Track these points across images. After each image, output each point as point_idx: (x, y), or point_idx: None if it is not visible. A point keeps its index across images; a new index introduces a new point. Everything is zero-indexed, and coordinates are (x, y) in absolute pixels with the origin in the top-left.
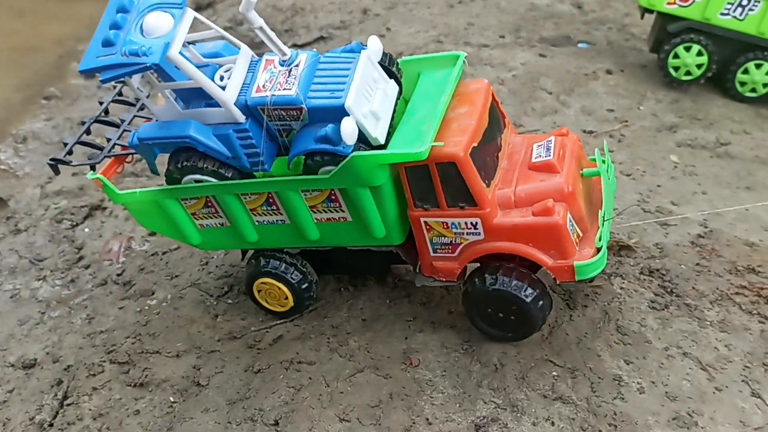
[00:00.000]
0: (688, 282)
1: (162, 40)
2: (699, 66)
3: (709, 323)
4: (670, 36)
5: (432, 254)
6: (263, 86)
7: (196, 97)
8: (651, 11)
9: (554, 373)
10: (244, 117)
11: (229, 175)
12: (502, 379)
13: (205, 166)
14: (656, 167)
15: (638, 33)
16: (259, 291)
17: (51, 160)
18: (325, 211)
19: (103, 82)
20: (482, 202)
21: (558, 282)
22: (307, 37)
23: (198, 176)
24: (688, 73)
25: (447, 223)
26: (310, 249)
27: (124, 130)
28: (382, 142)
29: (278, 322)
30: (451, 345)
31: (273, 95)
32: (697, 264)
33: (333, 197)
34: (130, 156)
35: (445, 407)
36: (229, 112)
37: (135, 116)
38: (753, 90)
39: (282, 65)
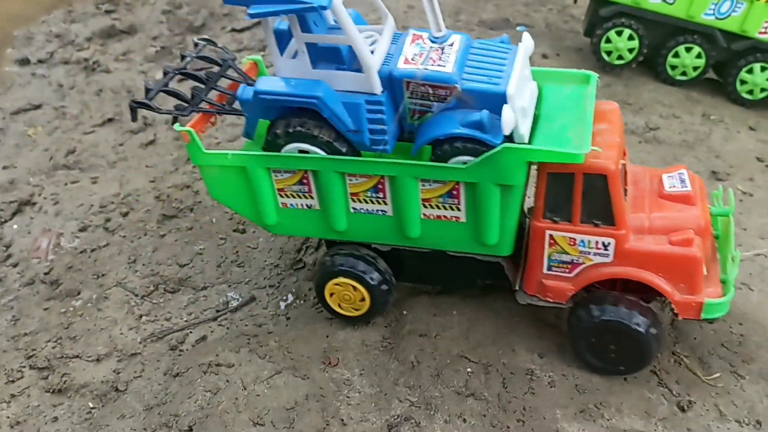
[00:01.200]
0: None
1: None
2: (630, 50)
3: None
4: (602, 20)
5: (545, 271)
6: (412, 59)
7: (323, 58)
8: None
9: (469, 370)
10: (381, 88)
11: (344, 150)
12: (417, 377)
13: (320, 135)
14: None
15: (578, 15)
16: (331, 294)
17: (134, 102)
18: (439, 207)
19: (252, 16)
20: (621, 223)
21: (680, 318)
22: (247, 21)
23: (306, 146)
24: (620, 57)
25: (575, 240)
26: (390, 249)
27: (212, 88)
28: (526, 140)
29: (202, 321)
30: (371, 342)
31: (426, 69)
32: None
33: (455, 192)
34: (215, 116)
35: (360, 407)
36: (369, 79)
37: (222, 76)
38: (683, 73)
39: (434, 41)
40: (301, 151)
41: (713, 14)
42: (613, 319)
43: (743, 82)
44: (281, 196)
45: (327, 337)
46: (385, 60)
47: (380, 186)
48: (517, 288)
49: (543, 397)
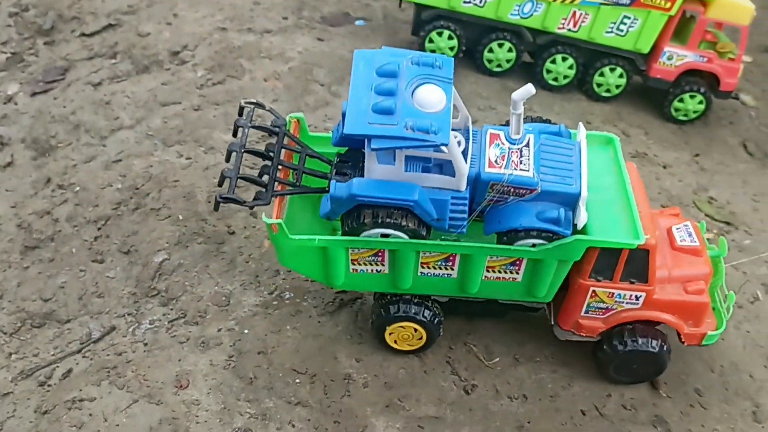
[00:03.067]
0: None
1: (441, 116)
2: (451, 48)
3: None
4: (424, 23)
5: (582, 314)
6: (495, 161)
7: (411, 158)
8: (407, 1)
9: (297, 381)
10: (465, 186)
11: (424, 234)
12: (255, 391)
13: (406, 224)
14: None
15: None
16: (390, 334)
17: (221, 197)
18: (501, 272)
19: (374, 149)
20: (653, 282)
21: (685, 344)
22: (95, 24)
23: (390, 231)
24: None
25: (613, 293)
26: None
27: (279, 164)
28: (580, 227)
29: (67, 354)
30: (217, 362)
31: (511, 174)
32: None
33: (517, 263)
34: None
35: (208, 424)
36: (460, 182)
37: (283, 148)
38: (498, 66)
39: (511, 143)
40: (383, 235)
41: (518, 14)
42: (635, 349)
43: (548, 71)
44: (353, 264)
45: (179, 360)
46: (471, 162)
47: (451, 258)
48: (552, 323)
49: (357, 397)
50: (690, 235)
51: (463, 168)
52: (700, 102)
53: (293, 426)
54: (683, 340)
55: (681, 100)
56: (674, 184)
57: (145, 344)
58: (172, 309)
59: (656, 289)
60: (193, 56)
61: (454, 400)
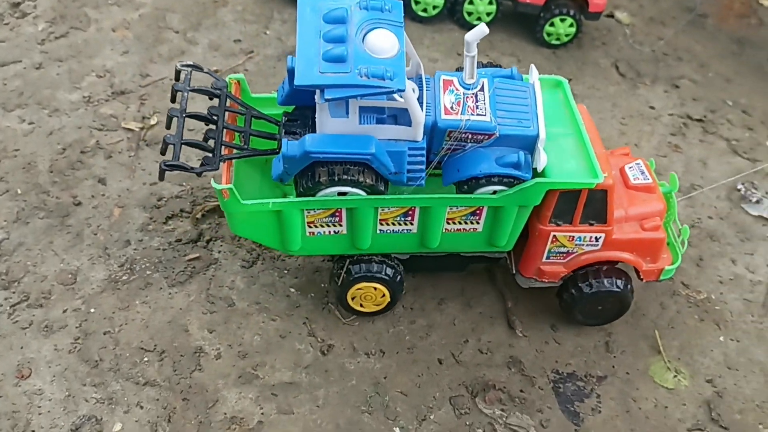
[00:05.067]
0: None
1: (394, 61)
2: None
3: (287, 272)
4: None
5: (543, 260)
6: (451, 108)
7: (364, 111)
8: None
9: (146, 359)
10: (422, 136)
11: (382, 189)
12: (101, 375)
13: (364, 180)
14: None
15: None
16: (353, 298)
17: (165, 164)
18: (461, 223)
19: (326, 100)
20: (611, 222)
21: (644, 281)
22: None
23: (347, 188)
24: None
25: (573, 237)
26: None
27: (224, 127)
28: (540, 169)
29: None
30: (62, 347)
31: (468, 120)
32: None
33: (477, 212)
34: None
35: (51, 414)
36: (417, 131)
37: (226, 110)
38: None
39: (466, 88)
40: (340, 193)
41: None
42: (600, 290)
43: (417, 2)
44: (309, 227)
45: (21, 348)
46: (426, 110)
47: (410, 212)
48: (514, 272)
49: (209, 371)
50: (642, 173)
51: (420, 116)
52: (571, 25)
53: (141, 408)
54: (642, 276)
55: (552, 24)
56: None
57: None
58: (14, 292)
59: (614, 228)
60: (35, 7)
61: (310, 363)
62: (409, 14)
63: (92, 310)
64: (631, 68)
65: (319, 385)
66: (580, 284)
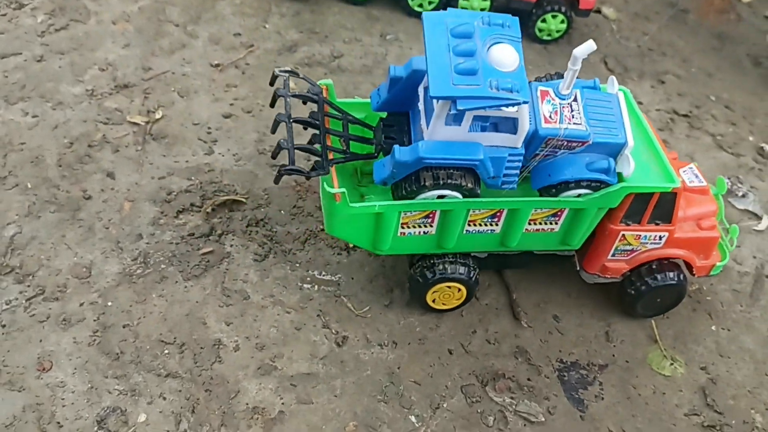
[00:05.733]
0: (285, 227)
1: (517, 74)
2: None
3: (299, 265)
4: None
5: (609, 258)
6: (550, 117)
7: (468, 118)
8: None
9: (166, 352)
10: (521, 143)
11: (478, 192)
12: (122, 367)
13: (465, 184)
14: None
15: None
16: (433, 301)
17: (284, 169)
18: (542, 224)
19: (460, 110)
20: (675, 222)
21: (695, 276)
22: None
23: (448, 191)
24: None
25: (639, 236)
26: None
27: (327, 131)
28: (628, 175)
29: None
30: (81, 339)
31: (566, 128)
32: (294, 206)
33: (558, 213)
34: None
35: (74, 406)
36: (519, 139)
37: (326, 115)
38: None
39: (561, 98)
40: (439, 196)
41: None
42: (660, 284)
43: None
44: (403, 227)
45: (40, 341)
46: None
47: (498, 214)
48: (578, 268)
49: (228, 362)
50: (696, 176)
51: (527, 125)
52: (562, 21)
53: (164, 399)
54: (694, 272)
55: (544, 21)
56: None
57: (3, 326)
58: (29, 286)
59: (677, 228)
60: None
61: (326, 354)
62: (406, 9)
63: (109, 304)
64: (619, 63)
65: (335, 375)
66: (646, 278)
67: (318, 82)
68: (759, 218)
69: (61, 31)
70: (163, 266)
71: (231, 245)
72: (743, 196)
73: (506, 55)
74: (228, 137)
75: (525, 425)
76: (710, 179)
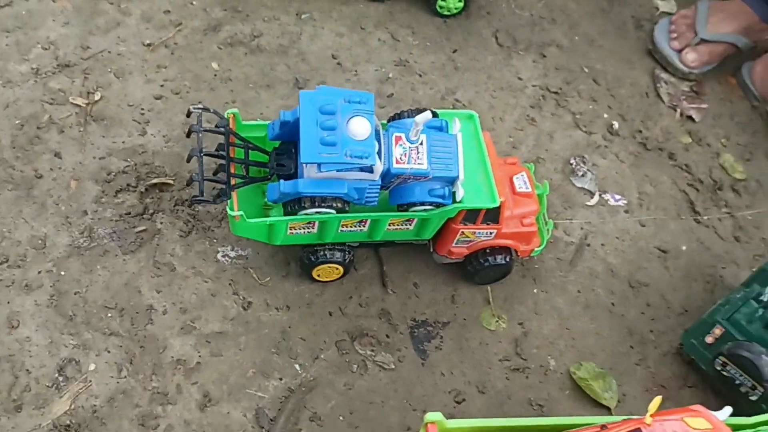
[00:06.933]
0: (205, 207)
1: (368, 143)
2: None
3: (216, 241)
4: None
5: (453, 245)
6: (401, 158)
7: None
8: None
9: (109, 315)
10: (378, 177)
11: (347, 209)
12: (75, 326)
13: (336, 205)
14: (199, 79)
15: None
16: (318, 275)
17: (194, 199)
18: (398, 226)
19: (322, 170)
20: (501, 222)
21: (519, 257)
22: None
23: (324, 209)
24: None
25: (475, 232)
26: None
27: (231, 161)
28: (459, 199)
29: None
30: (41, 302)
31: (412, 168)
32: (213, 188)
33: (410, 220)
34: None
35: (39, 357)
36: (375, 175)
37: (231, 145)
38: None
39: (410, 142)
40: (317, 212)
41: None
42: (492, 264)
43: None
44: (290, 230)
45: (8, 303)
46: (383, 159)
47: (364, 221)
48: (431, 251)
49: (158, 324)
50: (525, 183)
51: (379, 167)
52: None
53: (108, 352)
54: (519, 255)
55: None
56: (426, 93)
57: None
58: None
59: (504, 226)
60: None
61: (234, 316)
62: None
63: (62, 273)
64: (509, 36)
65: (241, 333)
66: (481, 260)
67: (226, 113)
68: (593, 195)
69: (5, 7)
70: (105, 241)
71: (161, 223)
72: (583, 175)
73: (360, 127)
74: (159, 119)
75: (380, 371)
76: (562, 158)
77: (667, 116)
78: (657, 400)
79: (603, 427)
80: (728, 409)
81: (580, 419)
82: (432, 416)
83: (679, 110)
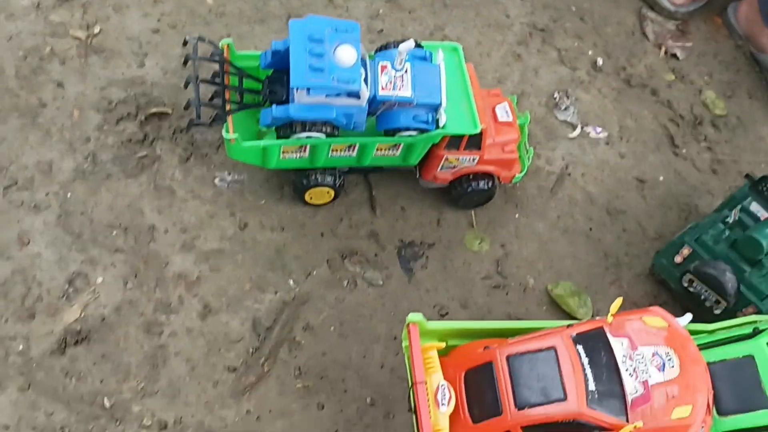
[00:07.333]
0: (203, 135)
1: (354, 69)
2: None
3: (213, 166)
4: None
5: (438, 170)
6: (386, 86)
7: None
8: None
9: (114, 233)
10: (365, 103)
11: (336, 134)
12: (82, 243)
13: (325, 129)
14: (195, 14)
15: None
16: (311, 198)
17: (192, 122)
18: (386, 151)
19: (311, 94)
20: (483, 149)
21: (501, 183)
22: None
23: (313, 133)
24: None
25: (458, 158)
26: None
27: (225, 88)
28: (441, 125)
29: None
30: (49, 222)
31: (397, 95)
32: (209, 117)
33: (397, 146)
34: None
35: (49, 271)
36: (362, 101)
37: (225, 73)
38: None
39: (395, 70)
40: (308, 136)
41: None
42: (475, 189)
43: None
44: (283, 153)
45: (18, 222)
46: (369, 86)
47: (353, 146)
48: (418, 176)
49: (160, 242)
50: (507, 112)
51: (366, 93)
52: None
53: (114, 267)
54: (501, 181)
55: None
56: (415, 29)
57: None
58: (4, 177)
59: (486, 152)
60: None
61: (232, 236)
62: None
63: (69, 195)
64: None
65: (238, 251)
66: (465, 185)
67: (221, 42)
68: (575, 128)
69: None
70: (108, 166)
71: (161, 149)
72: (565, 109)
73: (346, 55)
74: (156, 51)
75: (369, 287)
76: (546, 93)
77: (652, 54)
78: (618, 302)
79: (569, 326)
80: (689, 316)
81: (550, 323)
82: (414, 317)
83: (663, 48)
